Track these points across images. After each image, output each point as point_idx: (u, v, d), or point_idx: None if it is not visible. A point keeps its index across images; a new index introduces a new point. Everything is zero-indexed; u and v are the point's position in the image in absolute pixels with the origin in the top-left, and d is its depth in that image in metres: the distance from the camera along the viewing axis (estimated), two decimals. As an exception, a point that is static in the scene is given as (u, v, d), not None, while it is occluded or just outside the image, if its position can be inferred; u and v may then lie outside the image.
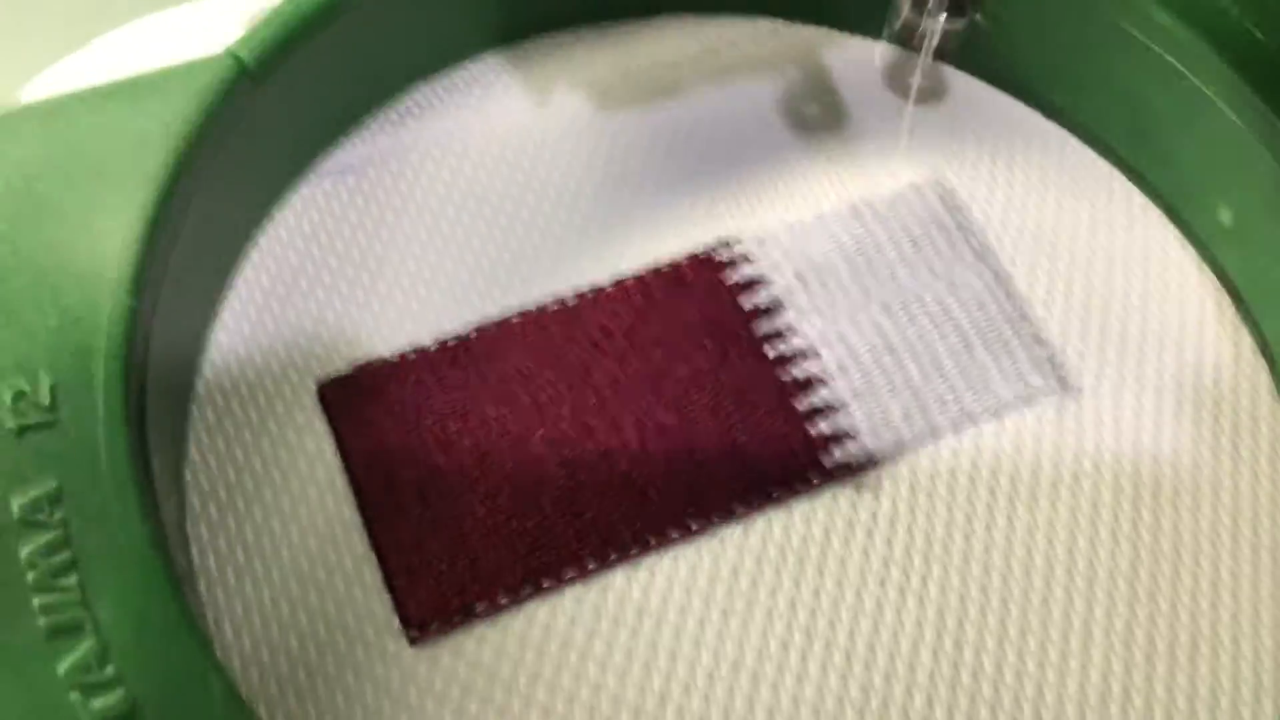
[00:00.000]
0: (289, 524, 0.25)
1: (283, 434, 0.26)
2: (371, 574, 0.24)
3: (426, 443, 0.26)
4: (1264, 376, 0.27)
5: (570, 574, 0.24)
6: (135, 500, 0.21)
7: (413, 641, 0.24)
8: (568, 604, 0.24)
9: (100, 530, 0.20)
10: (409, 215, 0.29)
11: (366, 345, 0.27)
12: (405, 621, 0.24)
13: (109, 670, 0.19)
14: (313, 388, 0.26)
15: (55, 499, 0.20)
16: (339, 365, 0.27)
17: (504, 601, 0.24)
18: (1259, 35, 0.27)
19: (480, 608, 0.24)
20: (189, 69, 0.25)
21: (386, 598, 0.24)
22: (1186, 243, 0.29)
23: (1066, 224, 0.29)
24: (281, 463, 0.25)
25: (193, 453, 0.25)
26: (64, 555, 0.20)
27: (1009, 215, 0.29)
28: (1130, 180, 0.30)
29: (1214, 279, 0.28)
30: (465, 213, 0.29)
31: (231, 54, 0.25)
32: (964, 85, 0.31)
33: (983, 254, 0.29)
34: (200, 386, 0.26)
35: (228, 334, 0.27)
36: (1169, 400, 0.27)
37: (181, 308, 0.25)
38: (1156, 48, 0.27)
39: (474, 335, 0.27)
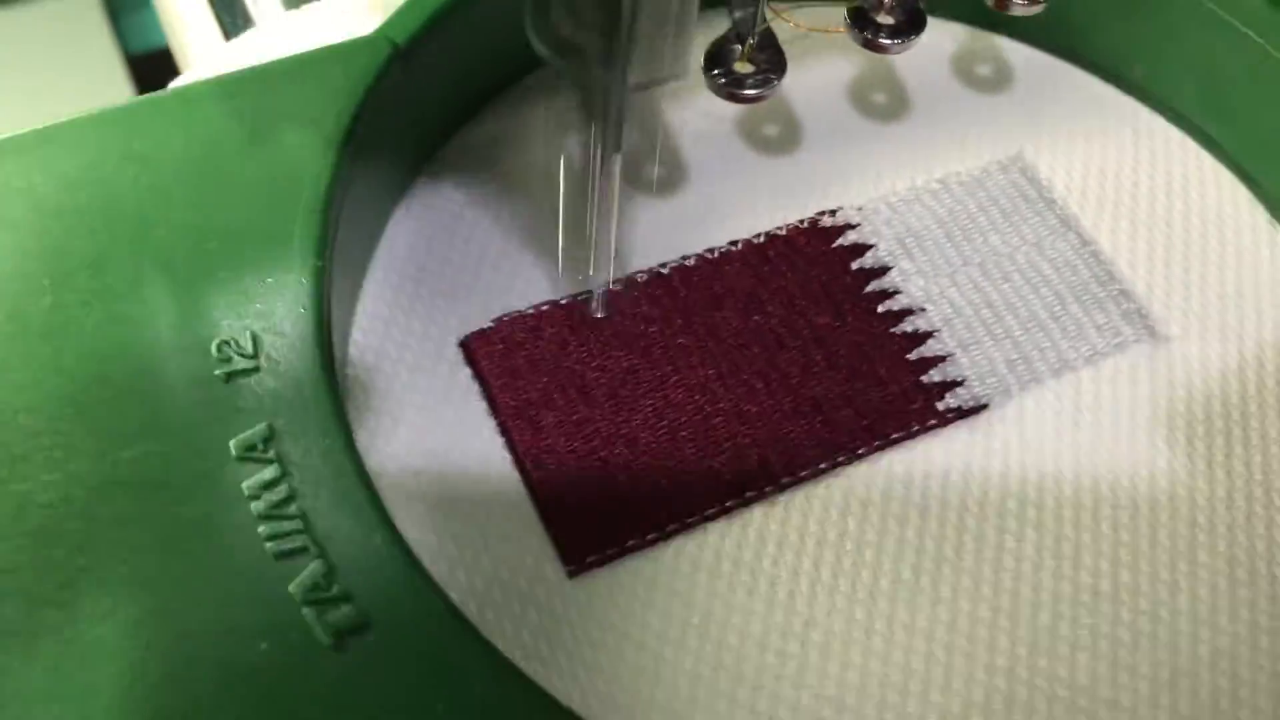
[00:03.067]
0: (446, 470, 0.26)
1: (432, 387, 0.28)
2: (528, 512, 0.26)
3: (568, 390, 0.28)
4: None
5: (711, 511, 0.26)
6: (341, 438, 0.22)
7: (570, 575, 0.25)
8: (712, 538, 0.26)
9: (313, 466, 0.22)
10: (534, 185, 0.31)
11: (502, 300, 0.29)
12: (563, 557, 0.26)
13: (336, 589, 0.21)
14: (455, 343, 0.28)
15: (267, 438, 0.22)
16: (478, 321, 0.28)
17: (652, 537, 0.26)
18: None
19: (631, 543, 0.26)
20: (347, 49, 0.27)
21: (544, 534, 0.26)
22: (1257, 202, 0.31)
23: (1144, 190, 0.32)
24: (434, 414, 0.27)
25: (349, 409, 0.27)
26: (283, 488, 0.22)
27: (1088, 184, 0.32)
28: (1202, 146, 0.32)
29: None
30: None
31: (385, 35, 0.27)
32: (1039, 61, 0.34)
33: (1067, 220, 0.31)
34: (351, 348, 0.28)
35: (373, 298, 0.29)
36: (1250, 345, 0.29)
37: (341, 270, 0.27)
38: (1232, 19, 0.29)
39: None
